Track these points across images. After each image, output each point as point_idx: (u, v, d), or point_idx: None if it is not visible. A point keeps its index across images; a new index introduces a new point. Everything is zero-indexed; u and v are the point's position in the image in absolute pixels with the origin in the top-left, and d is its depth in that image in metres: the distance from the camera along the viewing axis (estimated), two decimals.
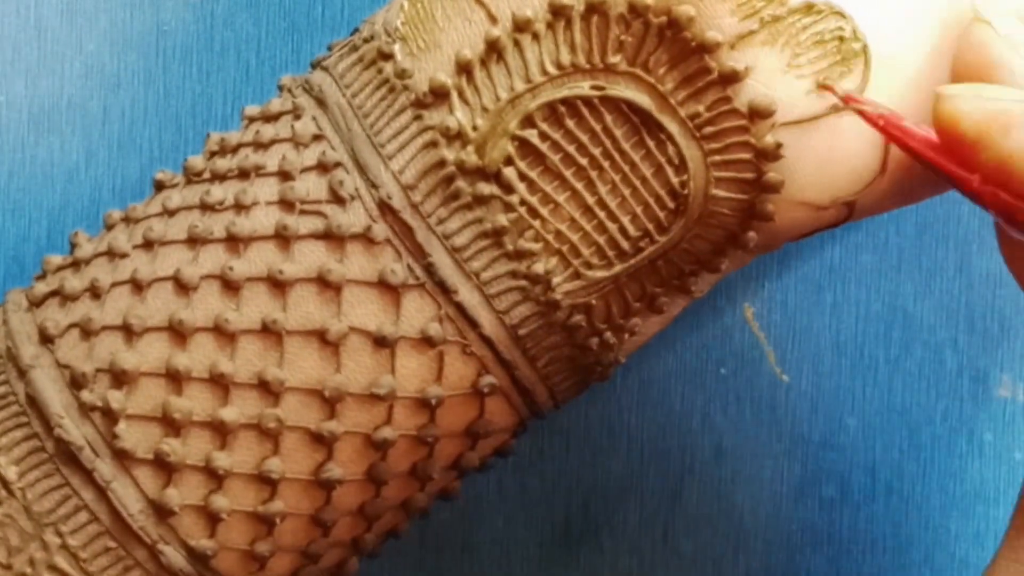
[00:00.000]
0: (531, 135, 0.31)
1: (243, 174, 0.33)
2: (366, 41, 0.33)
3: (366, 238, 0.31)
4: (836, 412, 0.43)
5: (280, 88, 0.35)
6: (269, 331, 0.31)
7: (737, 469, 0.43)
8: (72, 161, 0.42)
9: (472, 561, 0.43)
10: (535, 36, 0.31)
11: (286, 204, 0.32)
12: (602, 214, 0.32)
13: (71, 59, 0.42)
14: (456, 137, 0.31)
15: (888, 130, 0.30)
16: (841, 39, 0.31)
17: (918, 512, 0.44)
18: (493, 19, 0.31)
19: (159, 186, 0.34)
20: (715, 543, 0.43)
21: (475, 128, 0.31)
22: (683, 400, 0.43)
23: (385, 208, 0.32)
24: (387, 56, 0.32)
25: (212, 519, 0.32)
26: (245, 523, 0.32)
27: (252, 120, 0.34)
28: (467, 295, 0.32)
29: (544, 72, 0.31)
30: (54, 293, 0.33)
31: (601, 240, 0.32)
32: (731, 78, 0.31)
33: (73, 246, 0.34)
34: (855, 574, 0.44)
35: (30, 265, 0.42)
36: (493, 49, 0.31)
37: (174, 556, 0.32)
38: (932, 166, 0.30)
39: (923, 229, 0.43)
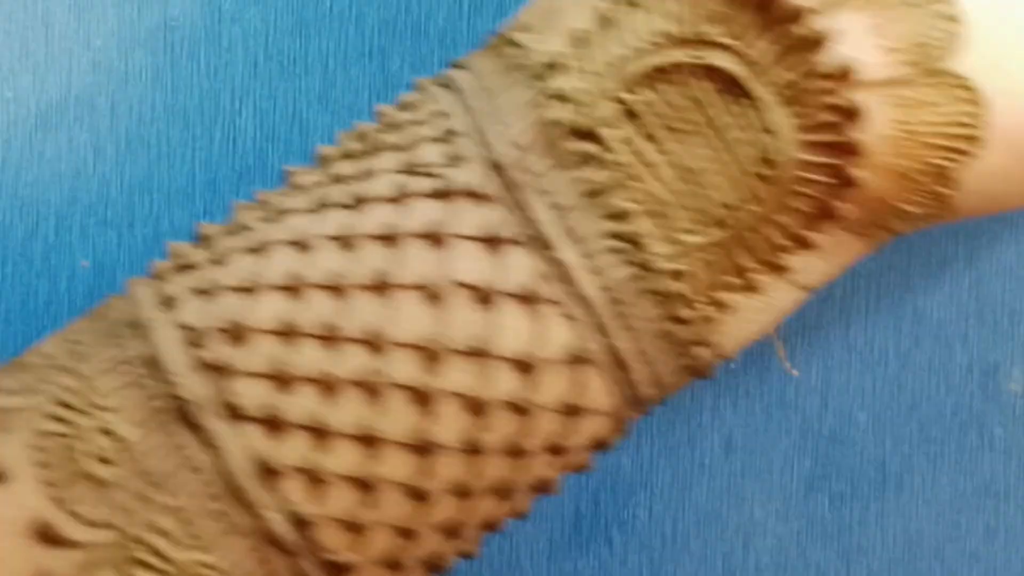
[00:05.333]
0: (631, 99, 0.33)
1: (371, 151, 0.34)
2: (496, 36, 0.35)
3: (475, 195, 0.33)
4: (846, 406, 0.43)
5: (414, 87, 0.36)
6: (379, 285, 0.32)
7: (747, 463, 0.43)
8: (80, 157, 0.42)
9: (481, 556, 0.43)
10: (638, 8, 0.33)
11: (405, 169, 0.33)
12: (697, 179, 0.33)
13: (79, 55, 0.42)
14: (564, 100, 0.33)
15: None
16: (932, 3, 0.32)
17: (928, 507, 0.44)
18: None
19: (288, 176, 0.35)
20: (725, 538, 0.43)
21: (582, 92, 0.33)
22: (692, 395, 0.43)
23: (495, 167, 0.33)
24: (513, 43, 0.34)
25: (316, 482, 0.32)
26: (348, 488, 0.32)
27: (384, 114, 0.35)
28: (567, 253, 0.33)
29: (645, 41, 0.33)
30: (180, 267, 0.34)
31: (695, 205, 0.33)
32: (817, 42, 0.32)
33: (199, 234, 0.35)
34: (865, 569, 0.43)
35: (38, 261, 0.42)
36: (600, 21, 0.33)
37: (276, 520, 0.32)
38: None
39: None
